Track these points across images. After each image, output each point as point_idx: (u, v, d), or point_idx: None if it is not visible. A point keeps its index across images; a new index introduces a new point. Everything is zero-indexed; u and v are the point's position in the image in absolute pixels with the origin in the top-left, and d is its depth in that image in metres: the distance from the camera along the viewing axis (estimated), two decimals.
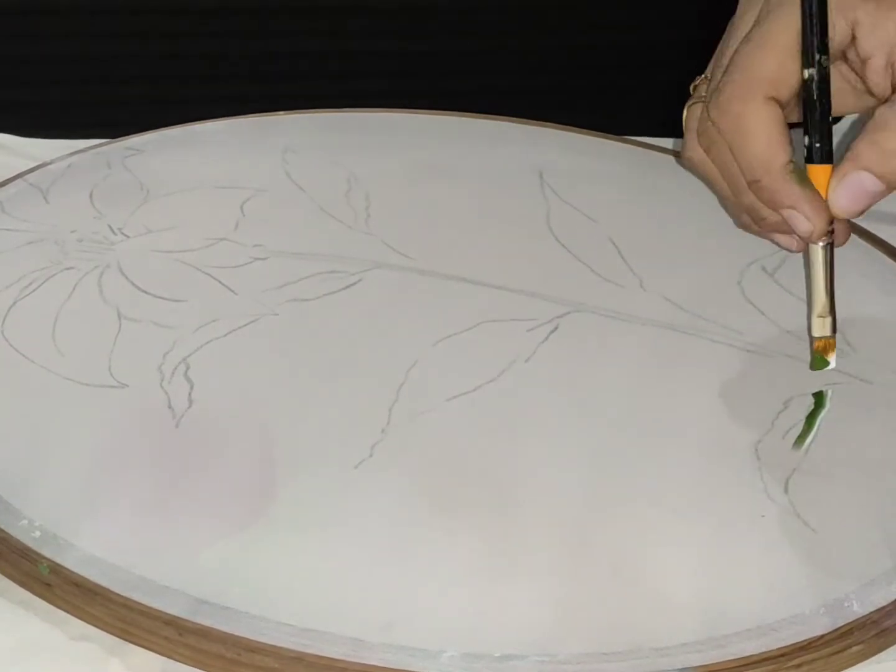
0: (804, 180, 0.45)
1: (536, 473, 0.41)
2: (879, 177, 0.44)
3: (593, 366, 0.46)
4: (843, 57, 0.47)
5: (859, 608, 0.38)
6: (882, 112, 0.44)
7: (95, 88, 0.74)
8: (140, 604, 0.36)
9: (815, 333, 0.45)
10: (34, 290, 0.47)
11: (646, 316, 0.49)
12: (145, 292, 0.48)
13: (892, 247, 0.54)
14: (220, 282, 0.49)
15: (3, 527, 0.38)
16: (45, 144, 0.59)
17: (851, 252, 0.53)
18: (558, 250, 0.52)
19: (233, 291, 0.48)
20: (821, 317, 0.45)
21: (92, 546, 0.37)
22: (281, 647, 0.35)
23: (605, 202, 0.55)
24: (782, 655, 0.36)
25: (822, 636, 0.37)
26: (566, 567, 0.38)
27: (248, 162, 0.57)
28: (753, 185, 0.46)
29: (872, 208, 0.45)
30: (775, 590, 0.38)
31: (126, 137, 0.58)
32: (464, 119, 0.61)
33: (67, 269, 0.49)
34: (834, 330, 0.45)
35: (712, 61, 0.50)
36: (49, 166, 0.55)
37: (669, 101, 0.74)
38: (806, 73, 0.45)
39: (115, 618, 0.36)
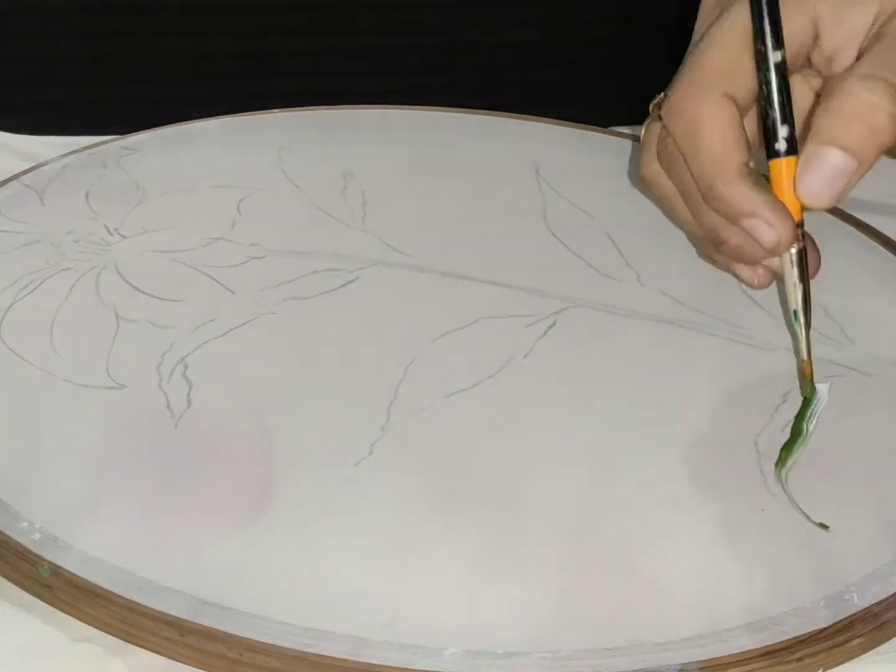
0: (762, 184, 0.42)
1: (536, 469, 0.41)
2: (845, 149, 0.39)
3: (592, 361, 0.46)
4: (808, 61, 0.44)
5: (860, 601, 0.38)
6: (835, 81, 0.41)
7: (90, 88, 0.73)
8: (141, 605, 0.36)
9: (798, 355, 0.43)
10: (31, 292, 0.47)
11: (644, 310, 0.49)
12: (142, 292, 0.48)
13: (890, 238, 0.54)
14: (217, 281, 0.49)
15: (2, 529, 0.38)
16: (39, 143, 0.59)
17: (850, 244, 0.53)
18: (555, 245, 0.52)
19: (230, 291, 0.48)
20: (796, 336, 0.42)
21: (92, 547, 0.37)
22: (282, 647, 0.35)
23: (602, 197, 0.55)
24: (783, 649, 0.36)
25: (823, 629, 0.37)
26: (567, 563, 0.38)
27: (243, 160, 0.57)
28: (709, 195, 0.42)
29: (871, 200, 0.45)
30: (776, 583, 0.38)
31: (121, 137, 0.58)
32: (459, 114, 0.61)
33: (64, 270, 0.49)
34: (808, 354, 0.42)
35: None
36: (44, 167, 0.55)
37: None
38: (760, 62, 0.42)
39: (117, 619, 0.36)
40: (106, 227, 0.51)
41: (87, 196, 0.53)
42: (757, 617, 0.37)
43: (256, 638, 0.35)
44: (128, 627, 0.36)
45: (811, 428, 0.42)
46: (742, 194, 0.41)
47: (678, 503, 0.40)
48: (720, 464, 0.42)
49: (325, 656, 0.35)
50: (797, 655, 0.36)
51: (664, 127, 0.44)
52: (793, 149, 0.41)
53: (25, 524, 0.38)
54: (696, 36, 0.46)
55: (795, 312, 0.42)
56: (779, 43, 0.41)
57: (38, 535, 0.38)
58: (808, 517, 0.40)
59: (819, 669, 0.36)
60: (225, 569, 0.37)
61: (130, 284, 0.48)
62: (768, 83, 0.41)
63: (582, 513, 0.40)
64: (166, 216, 0.52)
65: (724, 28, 0.43)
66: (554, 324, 0.48)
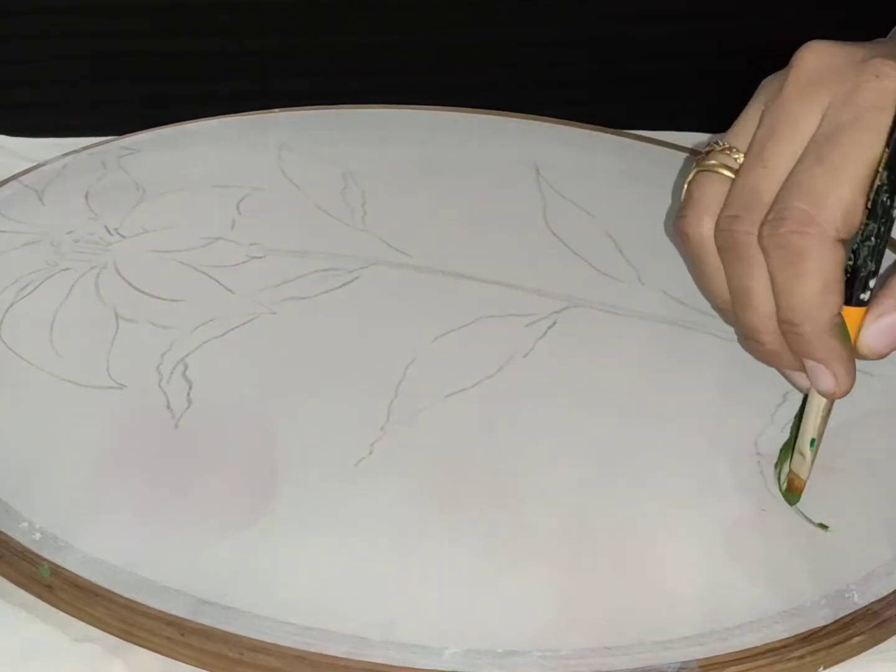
0: (846, 337, 0.40)
1: (536, 469, 0.41)
2: None
3: (592, 361, 0.46)
4: None
5: (860, 599, 0.38)
6: None
7: (89, 88, 0.73)
8: (142, 604, 0.36)
9: (792, 467, 0.41)
10: (31, 292, 0.47)
11: (644, 310, 0.49)
12: (142, 292, 0.48)
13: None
14: (217, 281, 0.49)
15: (3, 529, 0.38)
16: (39, 144, 0.59)
17: None
18: (556, 245, 0.52)
19: (230, 290, 0.48)
20: (800, 454, 0.41)
21: (93, 547, 0.37)
22: (283, 647, 0.35)
23: (602, 196, 0.55)
24: (784, 647, 0.36)
25: (824, 627, 0.37)
26: (567, 562, 0.38)
27: (243, 160, 0.57)
28: (787, 326, 0.40)
29: None
30: (776, 582, 0.38)
31: (121, 137, 0.58)
32: (459, 114, 0.61)
33: (64, 270, 0.49)
34: (806, 475, 0.41)
35: (734, 132, 0.42)
36: (44, 167, 0.55)
37: (667, 93, 0.74)
38: (877, 211, 0.39)
39: (117, 619, 0.36)
40: (106, 227, 0.51)
41: (86, 196, 0.53)
42: (757, 615, 0.37)
43: (257, 637, 0.35)
44: (128, 627, 0.36)
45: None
46: (825, 344, 0.40)
47: (678, 503, 0.40)
48: (720, 464, 0.42)
49: (325, 656, 0.35)
50: (798, 653, 0.36)
51: (763, 243, 0.40)
52: (865, 303, 0.40)
53: (26, 524, 0.38)
54: (786, 114, 0.41)
55: (813, 441, 0.41)
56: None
57: (38, 536, 0.38)
58: (807, 519, 0.40)
59: (820, 667, 0.36)
60: (225, 568, 0.37)
61: (130, 284, 0.48)
62: (880, 237, 0.39)
63: (582, 512, 0.40)
64: (166, 216, 0.52)
65: (850, 158, 0.39)
66: (554, 323, 0.48)
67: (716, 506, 0.40)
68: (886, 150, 0.38)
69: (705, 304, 0.49)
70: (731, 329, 0.48)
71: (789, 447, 0.42)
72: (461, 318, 0.47)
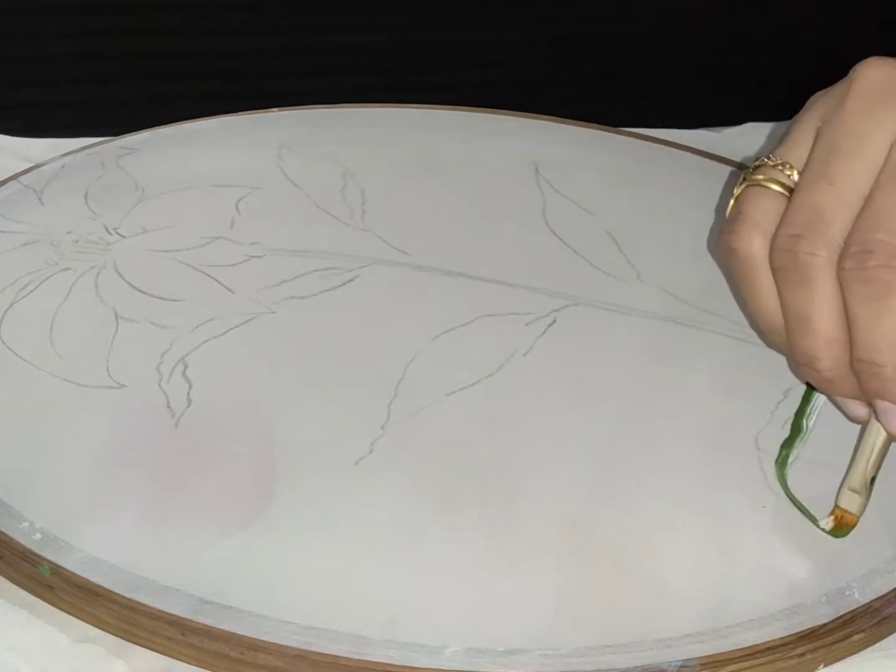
0: None
1: (537, 467, 0.41)
2: None
3: (592, 359, 0.46)
4: None
5: (860, 596, 0.38)
6: None
7: (87, 88, 0.73)
8: (143, 604, 0.36)
9: (842, 504, 0.40)
10: (31, 292, 0.47)
11: (644, 308, 0.49)
12: (142, 292, 0.48)
13: None
14: (216, 280, 0.49)
15: (3, 530, 0.38)
16: (37, 144, 0.59)
17: None
18: (555, 243, 0.52)
19: (230, 290, 0.48)
20: (852, 491, 0.40)
21: (93, 547, 0.37)
22: (284, 646, 0.35)
23: (602, 194, 0.55)
24: (784, 645, 0.36)
25: (824, 625, 0.37)
26: (568, 560, 0.38)
27: (242, 159, 0.57)
28: (865, 365, 0.38)
29: None
30: (776, 579, 0.38)
31: (119, 137, 0.58)
32: (458, 112, 0.61)
33: (64, 270, 0.49)
34: (861, 512, 0.39)
35: (786, 146, 0.40)
36: (43, 167, 0.55)
37: (666, 91, 0.74)
38: None
39: (118, 619, 0.36)
40: (105, 226, 0.51)
41: (86, 196, 0.53)
42: (758, 613, 0.37)
43: (258, 637, 0.35)
44: (129, 627, 0.36)
45: (811, 424, 0.42)
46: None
47: (679, 500, 0.40)
48: (721, 461, 0.42)
49: (326, 655, 0.35)
50: (798, 651, 0.36)
51: (845, 276, 0.38)
52: None
53: (26, 525, 0.38)
54: (858, 131, 0.39)
55: (873, 479, 0.40)
56: None
57: (38, 536, 0.38)
58: (807, 515, 0.40)
59: (820, 665, 0.36)
60: (226, 568, 0.37)
61: (130, 284, 0.48)
62: None
63: (582, 510, 0.40)
64: (165, 216, 0.52)
65: None
66: (554, 322, 0.48)
67: (716, 503, 0.40)
68: None
69: (704, 302, 0.49)
70: (732, 326, 0.48)
71: (790, 444, 0.42)
72: (461, 317, 0.47)
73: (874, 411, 0.39)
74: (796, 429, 0.42)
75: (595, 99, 0.73)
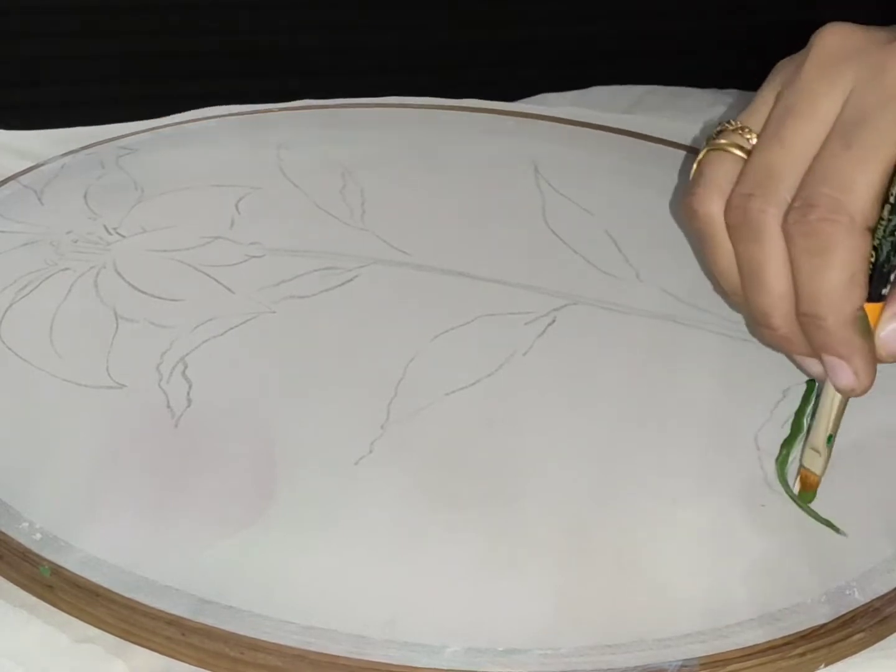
0: (868, 333, 0.38)
1: (536, 467, 0.41)
2: None
3: (591, 358, 0.46)
4: None
5: (861, 596, 0.38)
6: None
7: (89, 88, 0.74)
8: (142, 604, 0.36)
9: (805, 463, 0.40)
10: (30, 292, 0.47)
11: (643, 307, 0.49)
12: (142, 292, 0.48)
13: None
14: (216, 280, 0.49)
15: (3, 529, 0.38)
16: (34, 137, 0.58)
17: None
18: (554, 243, 0.52)
19: (229, 290, 0.48)
20: (814, 450, 0.40)
21: (93, 547, 0.37)
22: (284, 645, 0.35)
23: (601, 194, 0.55)
24: (785, 644, 0.36)
25: (825, 625, 0.37)
26: (568, 560, 0.38)
27: (242, 159, 0.57)
28: (808, 318, 0.38)
29: None
30: (776, 579, 0.38)
31: (119, 137, 0.58)
32: (458, 112, 0.61)
33: (63, 270, 0.49)
34: (822, 472, 0.40)
35: (747, 112, 0.41)
36: (42, 167, 0.55)
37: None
38: (893, 220, 0.37)
39: (118, 619, 0.36)
40: (105, 226, 0.51)
41: (85, 196, 0.53)
42: (758, 612, 0.37)
43: (258, 636, 0.35)
44: (129, 627, 0.36)
45: (811, 423, 0.42)
46: (847, 338, 0.38)
47: (678, 500, 0.40)
48: (720, 460, 0.42)
49: (326, 654, 0.35)
50: (798, 651, 0.36)
51: (788, 230, 0.38)
52: (880, 298, 0.39)
53: (26, 525, 0.38)
54: (803, 92, 0.39)
55: (831, 437, 0.40)
56: None
57: (38, 536, 0.38)
58: (808, 512, 0.40)
59: (821, 664, 0.36)
60: (225, 568, 0.37)
61: (130, 284, 0.48)
62: (889, 243, 0.37)
63: (582, 510, 0.40)
64: (165, 215, 0.52)
65: (878, 145, 0.37)
66: (553, 321, 0.47)
67: (716, 502, 0.40)
68: None
69: (703, 301, 0.49)
70: (731, 325, 0.48)
71: (790, 443, 0.42)
72: (461, 317, 0.47)
73: (824, 367, 0.39)
74: (796, 428, 0.42)
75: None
